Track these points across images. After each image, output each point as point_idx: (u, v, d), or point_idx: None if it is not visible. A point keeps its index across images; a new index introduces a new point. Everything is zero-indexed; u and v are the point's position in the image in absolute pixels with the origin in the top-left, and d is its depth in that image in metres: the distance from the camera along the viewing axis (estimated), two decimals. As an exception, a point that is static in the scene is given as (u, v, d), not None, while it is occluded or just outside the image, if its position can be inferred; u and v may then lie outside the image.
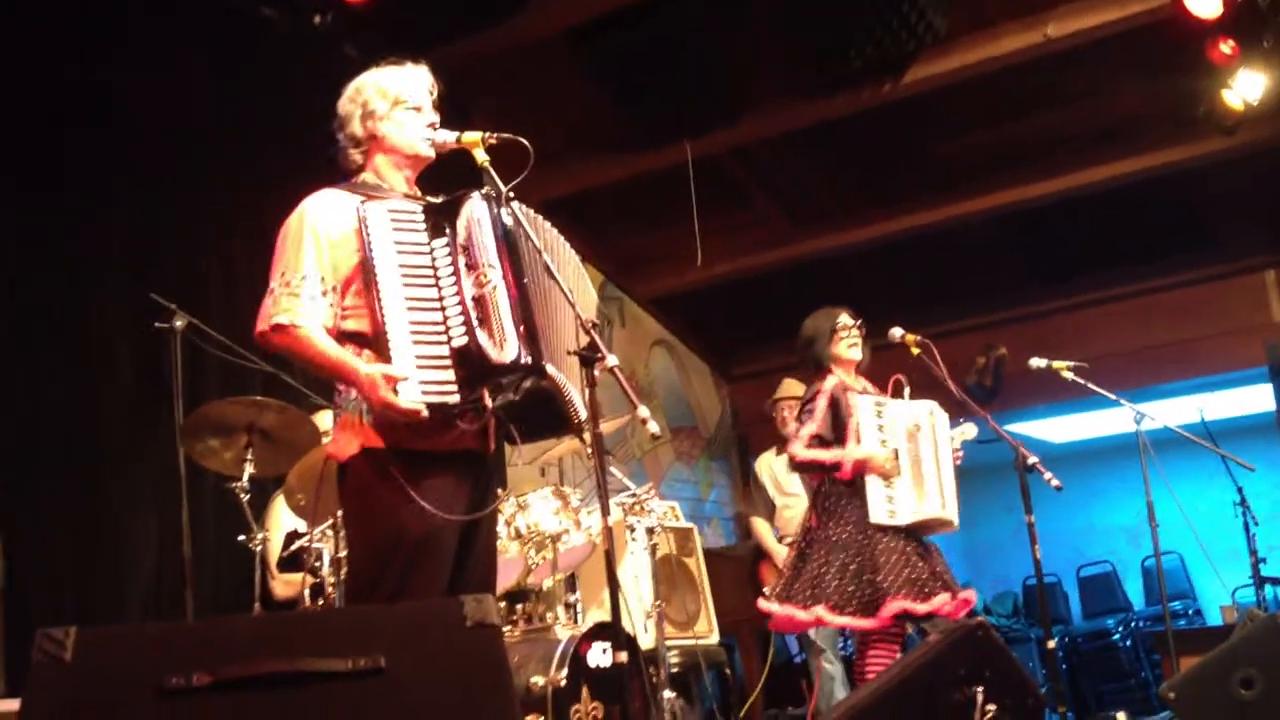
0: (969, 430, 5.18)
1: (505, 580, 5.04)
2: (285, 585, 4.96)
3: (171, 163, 5.56)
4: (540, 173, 3.28)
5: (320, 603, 4.48)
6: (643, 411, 2.98)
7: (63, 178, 5.15)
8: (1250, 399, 10.01)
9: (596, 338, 3.11)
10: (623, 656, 3.17)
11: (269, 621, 2.91)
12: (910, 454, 4.92)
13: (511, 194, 3.18)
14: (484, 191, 3.21)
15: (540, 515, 4.94)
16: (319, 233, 3.15)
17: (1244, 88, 7.02)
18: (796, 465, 5.03)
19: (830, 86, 7.40)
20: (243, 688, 2.08)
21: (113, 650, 2.17)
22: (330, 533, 4.50)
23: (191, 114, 5.72)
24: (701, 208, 8.08)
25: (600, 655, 4.54)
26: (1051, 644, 5.19)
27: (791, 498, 6.96)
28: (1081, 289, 9.34)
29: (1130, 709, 6.29)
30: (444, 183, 3.36)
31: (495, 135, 3.25)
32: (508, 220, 3.21)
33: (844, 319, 5.12)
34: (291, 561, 4.82)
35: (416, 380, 3.02)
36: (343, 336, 3.15)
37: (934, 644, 3.17)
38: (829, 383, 5.04)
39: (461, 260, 3.13)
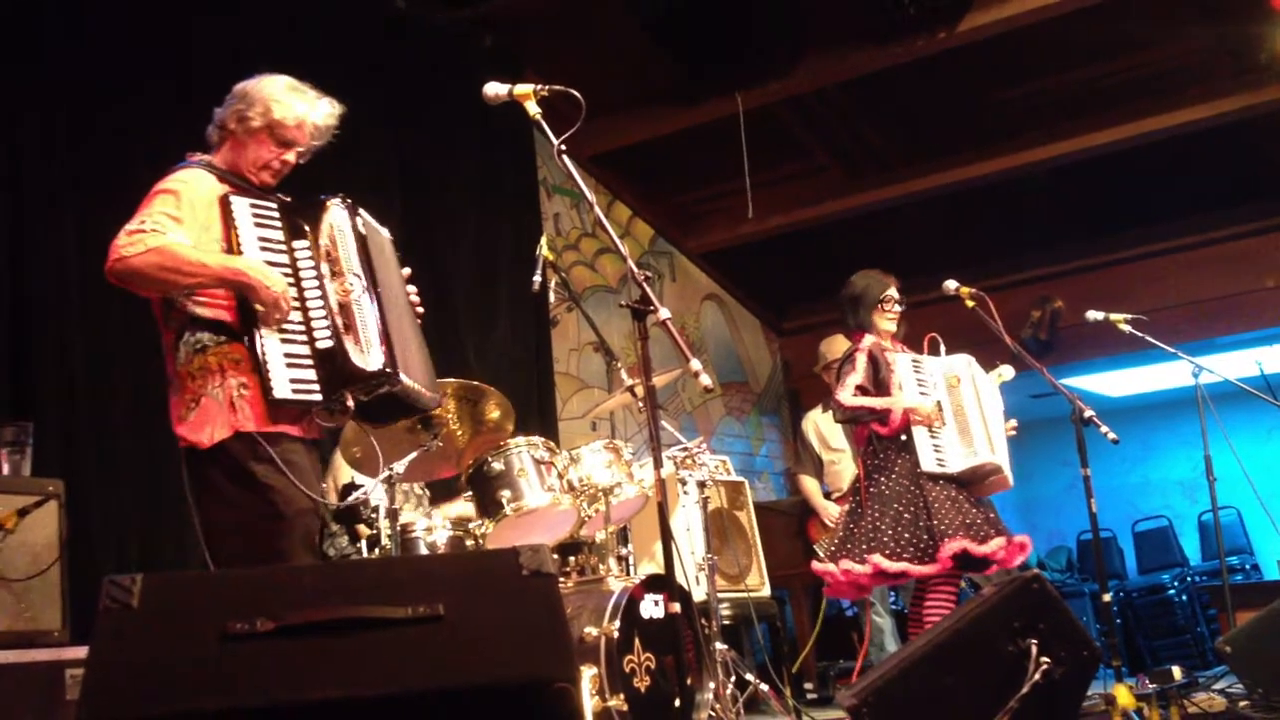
0: (1006, 372, 5.16)
1: (559, 532, 5.09)
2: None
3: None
4: (591, 126, 3.28)
5: (376, 553, 4.54)
6: (695, 364, 3.00)
7: (129, 134, 5.23)
8: (1311, 352, 9.85)
9: (649, 290, 3.12)
10: (676, 608, 3.20)
11: (329, 569, 2.96)
12: (952, 405, 4.94)
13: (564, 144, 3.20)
14: (341, 200, 3.35)
15: (592, 468, 4.97)
16: (195, 207, 3.21)
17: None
18: (845, 413, 5.01)
19: (885, 35, 7.30)
20: (304, 633, 2.12)
21: (178, 596, 2.21)
22: (386, 485, 4.55)
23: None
24: (753, 160, 8.03)
25: (653, 607, 4.58)
26: (1107, 598, 5.17)
27: (838, 453, 6.95)
28: (1139, 240, 9.20)
29: (1185, 663, 6.25)
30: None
31: (547, 88, 3.25)
32: (363, 229, 3.35)
33: (892, 292, 5.09)
34: (347, 513, 4.89)
35: (286, 379, 3.13)
36: (191, 322, 3.20)
37: (988, 596, 3.16)
38: (866, 341, 5.06)
39: (325, 266, 3.26)
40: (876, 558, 4.72)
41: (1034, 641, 3.05)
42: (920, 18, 7.02)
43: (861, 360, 5.00)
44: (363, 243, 3.33)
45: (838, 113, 8.31)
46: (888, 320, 5.09)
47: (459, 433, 4.93)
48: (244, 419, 3.14)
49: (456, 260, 7.12)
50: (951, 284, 5.21)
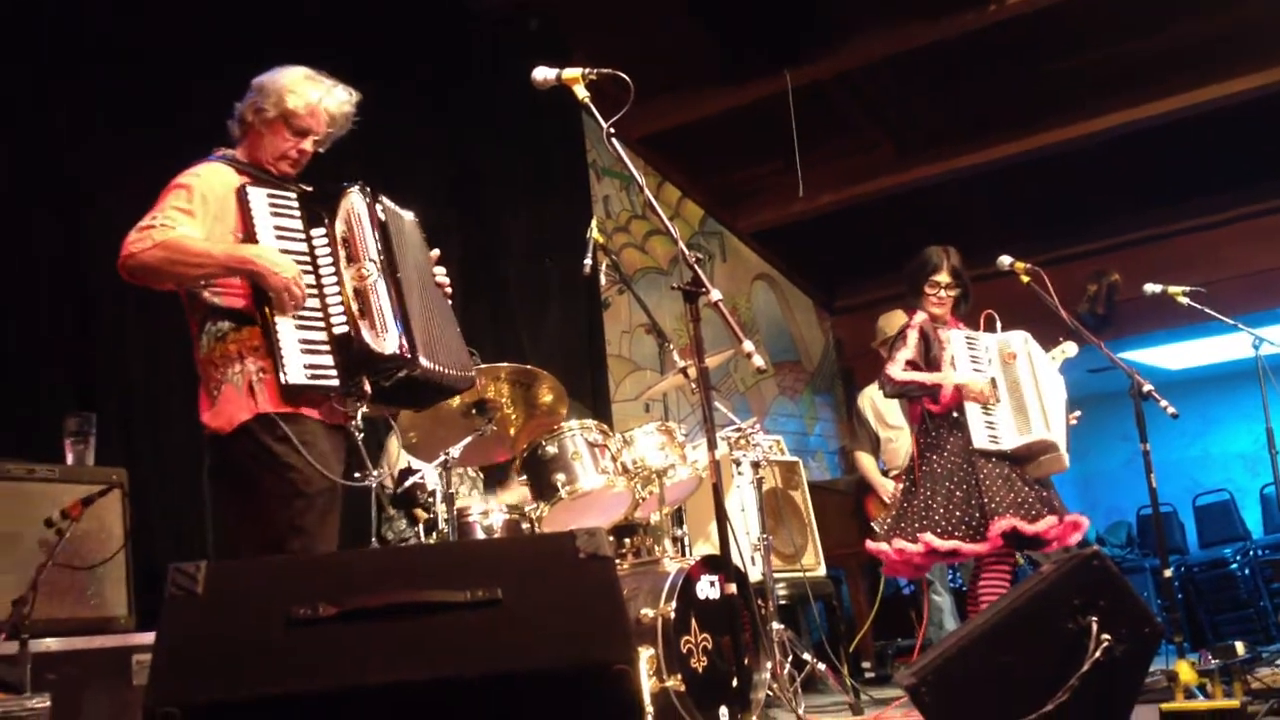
0: (1069, 349, 5.11)
1: (613, 515, 5.11)
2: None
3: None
4: (639, 108, 3.27)
5: (434, 538, 4.58)
6: (747, 345, 2.99)
7: (181, 129, 5.29)
8: (1375, 321, 9.66)
9: (699, 272, 3.12)
10: (732, 588, 3.20)
11: (389, 555, 2.99)
12: (1007, 380, 4.91)
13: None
14: (360, 186, 3.35)
15: (646, 450, 4.98)
16: (207, 200, 3.25)
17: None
18: (894, 387, 4.99)
19: (934, 9, 7.23)
20: (366, 618, 2.15)
21: (241, 583, 2.25)
22: (441, 469, 4.58)
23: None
24: (803, 138, 7.99)
25: (709, 587, 4.58)
26: (1168, 573, 5.11)
27: (895, 430, 6.92)
28: (1197, 211, 9.06)
29: (1248, 638, 6.17)
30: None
31: (595, 71, 3.25)
32: (382, 215, 3.36)
33: (940, 277, 5.04)
34: (405, 497, 4.93)
35: (301, 364, 3.15)
36: (211, 312, 3.25)
37: (1047, 573, 3.14)
38: (919, 318, 5.03)
39: (342, 252, 3.28)
40: (928, 536, 4.70)
41: (1094, 619, 3.02)
42: (970, -10, 6.95)
43: (913, 336, 4.99)
44: (382, 228, 3.34)
45: (887, 89, 8.24)
46: (933, 305, 5.06)
47: (513, 417, 4.96)
48: (263, 401, 3.17)
49: (508, 245, 7.15)
50: (1006, 260, 5.16)
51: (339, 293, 3.25)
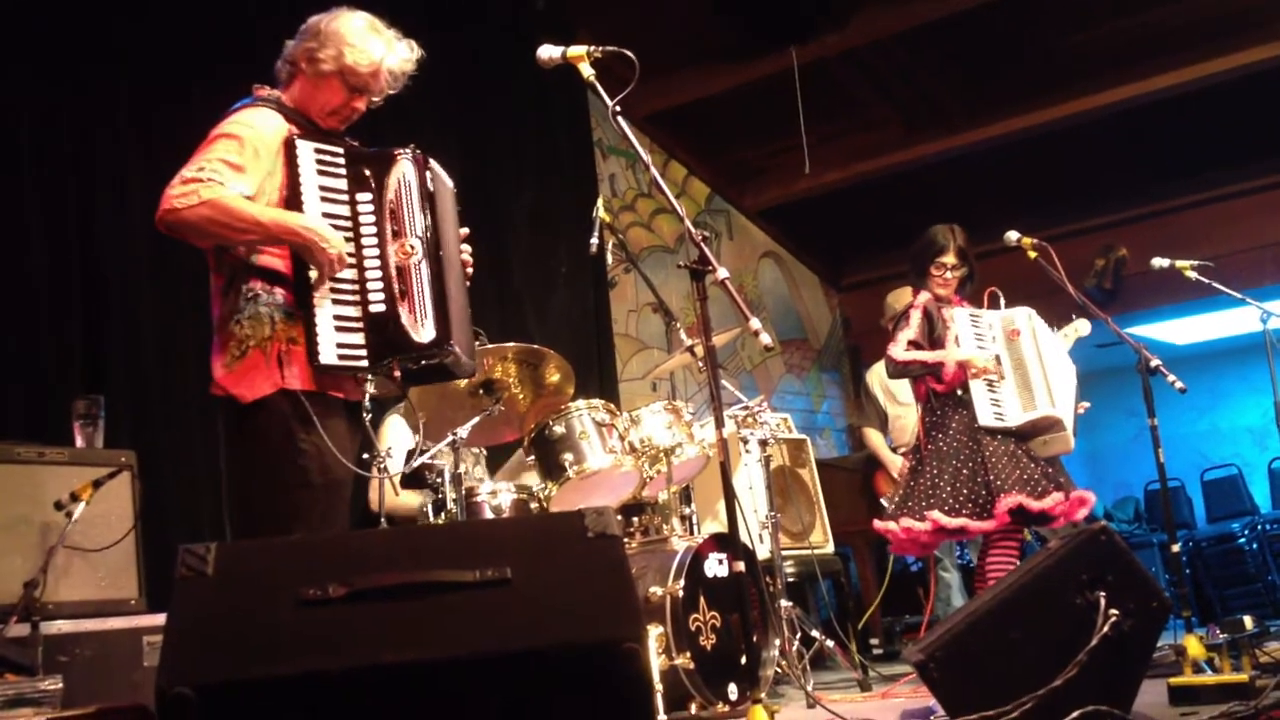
0: (1082, 326, 5.09)
1: (621, 494, 5.12)
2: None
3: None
4: (644, 86, 3.25)
5: (442, 518, 4.59)
6: (754, 323, 2.99)
7: (194, 112, 5.30)
8: (1385, 295, 9.63)
9: (706, 250, 3.12)
10: (740, 566, 3.21)
11: (398, 535, 2.98)
12: (1012, 357, 4.90)
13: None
14: (411, 152, 3.18)
15: (653, 429, 4.98)
16: (260, 154, 3.06)
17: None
18: (896, 368, 4.98)
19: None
20: (376, 598, 2.15)
21: (252, 564, 2.26)
22: (450, 449, 4.59)
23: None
24: (809, 115, 7.97)
25: (717, 565, 4.60)
26: (1175, 548, 5.11)
27: (904, 407, 6.91)
28: (1204, 185, 9.03)
29: (1257, 612, 6.17)
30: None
31: (600, 49, 3.23)
32: (431, 186, 3.19)
33: (945, 259, 5.02)
34: (414, 478, 4.93)
35: (333, 343, 3.02)
36: (245, 269, 3.08)
37: (1055, 549, 3.14)
38: (923, 297, 5.02)
39: (389, 225, 3.10)
40: (935, 514, 4.70)
41: (1102, 594, 3.02)
42: (976, -36, 6.91)
43: (916, 316, 4.98)
44: (429, 201, 3.16)
45: (894, 65, 8.21)
46: (939, 285, 5.04)
47: (520, 396, 4.96)
48: (290, 376, 3.03)
49: (514, 224, 7.14)
50: (1013, 235, 5.15)
51: (379, 267, 3.07)
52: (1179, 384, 4.80)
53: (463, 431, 4.52)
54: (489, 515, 4.68)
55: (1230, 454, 11.58)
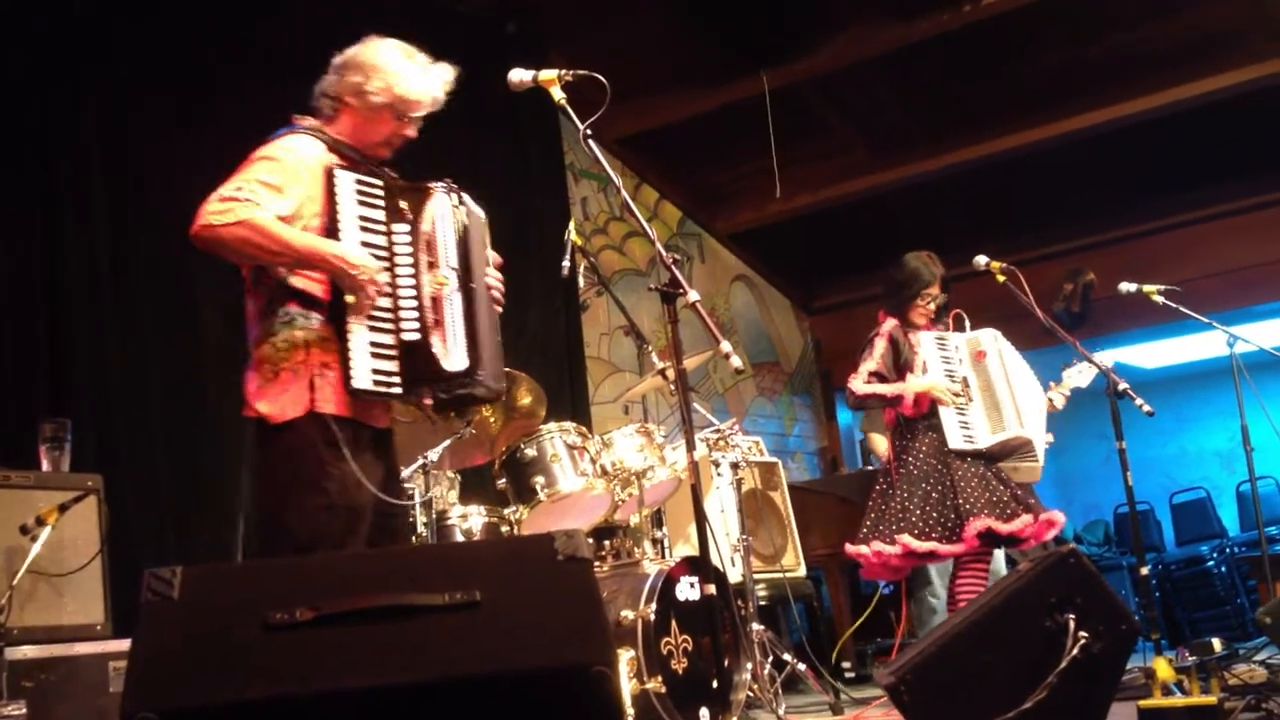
0: (1083, 375, 5.14)
1: (593, 517, 5.10)
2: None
3: (257, 122, 5.67)
4: (616, 109, 3.27)
5: (413, 540, 4.57)
6: (725, 346, 3.00)
7: (158, 140, 5.30)
8: (1348, 319, 9.72)
9: (677, 273, 3.13)
10: (711, 589, 3.20)
11: (366, 558, 2.97)
12: (979, 379, 4.94)
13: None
14: (446, 186, 3.25)
15: (625, 452, 4.98)
16: (301, 176, 3.11)
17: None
18: (857, 399, 5.02)
19: (910, 10, 7.26)
20: (343, 622, 2.14)
21: (218, 588, 2.24)
22: (421, 473, 4.57)
23: (282, 74, 5.82)
24: (780, 140, 8.01)
25: (689, 589, 4.59)
26: (1145, 571, 5.14)
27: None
28: (1171, 210, 9.11)
29: (1225, 635, 6.21)
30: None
31: (572, 73, 3.25)
32: (465, 219, 3.26)
33: (934, 290, 5.05)
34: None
35: (368, 369, 3.05)
36: (282, 292, 3.11)
37: (1025, 571, 3.15)
38: (887, 325, 5.05)
39: (423, 256, 3.17)
40: (905, 538, 4.72)
41: (1072, 616, 3.03)
42: (944, -9, 6.98)
43: (881, 345, 5.01)
44: (463, 234, 3.24)
45: (863, 90, 8.26)
46: (921, 314, 5.08)
47: (491, 419, 4.95)
48: (321, 400, 3.05)
49: (485, 247, 7.12)
50: (982, 259, 5.19)
51: (414, 296, 3.13)
52: (1147, 408, 4.84)
53: (433, 454, 4.50)
54: (460, 539, 4.66)
55: (1199, 477, 11.65)
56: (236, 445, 5.27)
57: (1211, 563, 9.72)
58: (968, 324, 5.13)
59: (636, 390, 6.02)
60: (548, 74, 3.26)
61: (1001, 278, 5.15)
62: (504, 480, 4.90)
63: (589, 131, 3.18)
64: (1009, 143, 8.48)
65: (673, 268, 3.14)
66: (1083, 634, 3.01)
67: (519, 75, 3.31)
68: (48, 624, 3.94)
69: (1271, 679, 4.47)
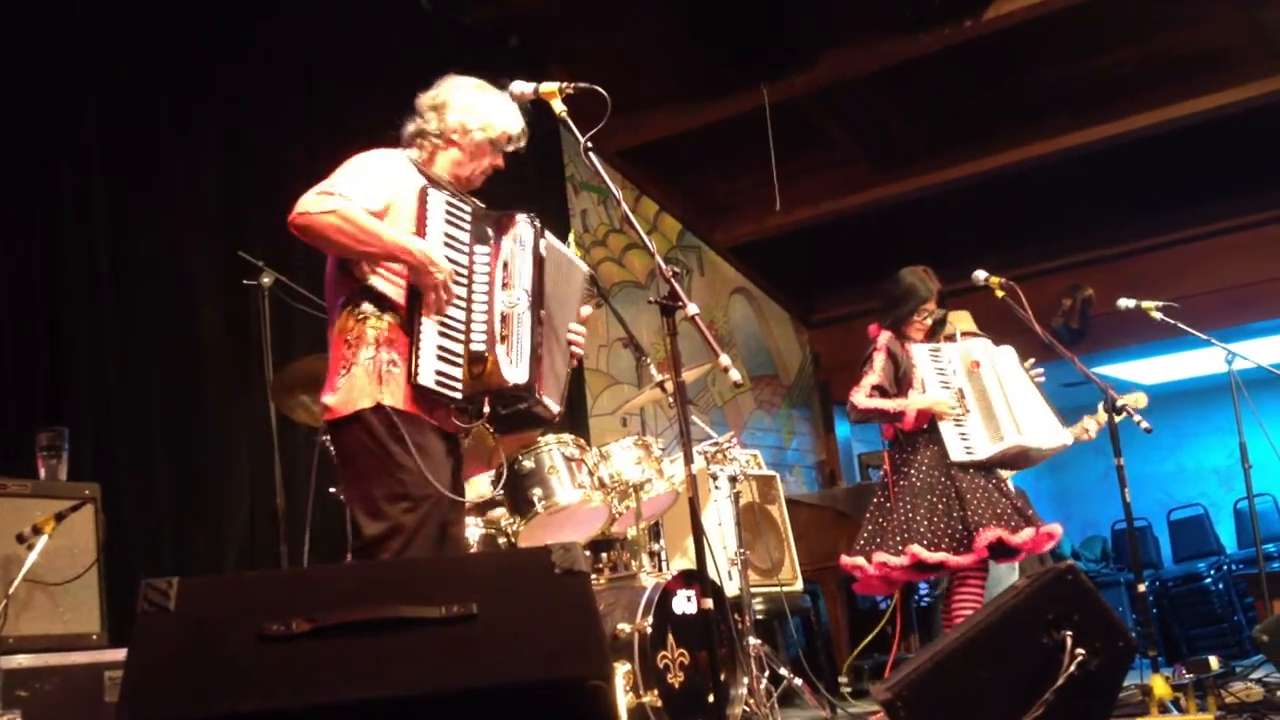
0: (1139, 400, 5.18)
1: (590, 529, 5.10)
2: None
3: (258, 125, 5.70)
4: (616, 122, 3.28)
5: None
6: (724, 359, 3.01)
7: (158, 141, 5.30)
8: (1347, 336, 9.73)
9: (676, 286, 3.13)
10: (708, 603, 3.20)
11: (363, 570, 2.96)
12: (975, 390, 4.95)
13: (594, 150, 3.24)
14: (530, 218, 3.43)
15: (623, 465, 4.98)
16: (391, 184, 3.30)
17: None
18: (859, 414, 5.02)
19: (911, 25, 7.27)
20: (340, 634, 2.13)
21: (214, 599, 2.23)
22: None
23: (283, 78, 5.84)
24: (780, 153, 8.01)
25: (685, 602, 4.58)
26: (1142, 588, 5.14)
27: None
28: (1170, 226, 9.12)
29: (1222, 653, 6.19)
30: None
31: (573, 85, 3.28)
32: (543, 250, 3.42)
33: (931, 305, 5.06)
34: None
35: (433, 369, 3.18)
36: (361, 291, 3.27)
37: (1022, 588, 3.15)
38: (883, 338, 5.05)
39: (499, 275, 3.33)
40: (915, 548, 4.71)
41: (1069, 633, 3.03)
42: (946, 6, 6.98)
43: (880, 360, 5.01)
44: (539, 263, 3.39)
45: (864, 104, 8.28)
46: (917, 329, 5.09)
47: (489, 431, 4.94)
48: (388, 393, 3.18)
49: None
50: (981, 274, 5.19)
51: (486, 312, 3.29)
52: (1145, 424, 4.85)
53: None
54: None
55: (1196, 494, 11.65)
56: (236, 446, 5.28)
57: (1209, 580, 9.71)
58: (958, 334, 5.15)
59: (635, 403, 6.02)
60: (549, 86, 3.28)
61: (1000, 293, 5.16)
62: (501, 492, 4.90)
63: (589, 144, 3.19)
64: (1009, 157, 8.49)
65: (672, 281, 3.15)
66: (1080, 651, 3.01)
67: (520, 87, 3.36)
68: (43, 633, 3.93)
69: (1268, 697, 4.47)
